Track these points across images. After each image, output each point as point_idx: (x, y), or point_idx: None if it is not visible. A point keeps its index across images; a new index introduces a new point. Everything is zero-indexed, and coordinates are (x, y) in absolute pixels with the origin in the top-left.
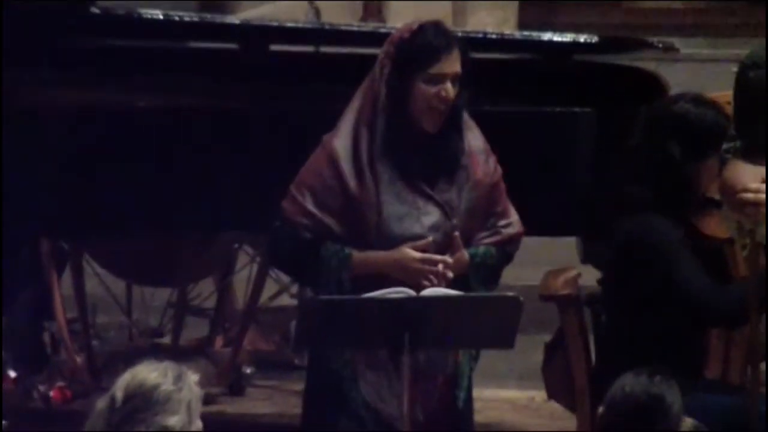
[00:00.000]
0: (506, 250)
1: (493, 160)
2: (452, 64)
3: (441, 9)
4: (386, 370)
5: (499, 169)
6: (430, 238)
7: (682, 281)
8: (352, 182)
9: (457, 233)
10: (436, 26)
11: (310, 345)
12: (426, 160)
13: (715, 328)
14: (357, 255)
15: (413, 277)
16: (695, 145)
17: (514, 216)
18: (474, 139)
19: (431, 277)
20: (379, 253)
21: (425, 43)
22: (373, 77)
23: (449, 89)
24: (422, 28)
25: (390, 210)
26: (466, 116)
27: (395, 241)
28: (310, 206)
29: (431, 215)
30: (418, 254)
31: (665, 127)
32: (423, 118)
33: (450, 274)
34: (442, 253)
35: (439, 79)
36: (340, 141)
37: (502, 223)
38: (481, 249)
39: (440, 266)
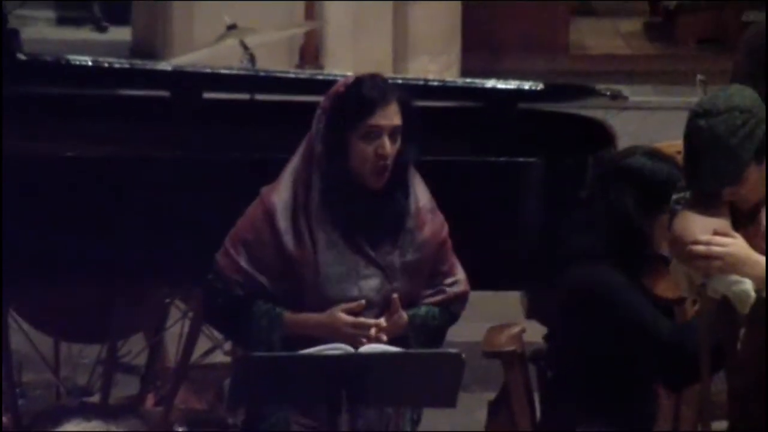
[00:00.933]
0: (451, 309)
1: (439, 217)
2: (388, 117)
3: (382, 54)
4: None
5: (446, 226)
6: (363, 302)
7: (648, 326)
8: (288, 240)
9: (395, 295)
10: (372, 79)
11: (245, 403)
12: (369, 218)
13: (676, 383)
14: (288, 316)
15: (345, 341)
16: (649, 199)
17: (460, 274)
18: (421, 195)
19: (363, 341)
20: (311, 316)
21: (359, 95)
22: (311, 132)
23: (386, 145)
24: (358, 80)
25: (328, 271)
26: (414, 174)
27: (332, 303)
28: (243, 263)
29: (371, 278)
30: (350, 318)
31: (619, 180)
32: (364, 175)
33: (384, 338)
34: (382, 315)
35: (375, 133)
36: (279, 196)
37: (448, 281)
38: (423, 309)
39: (373, 330)
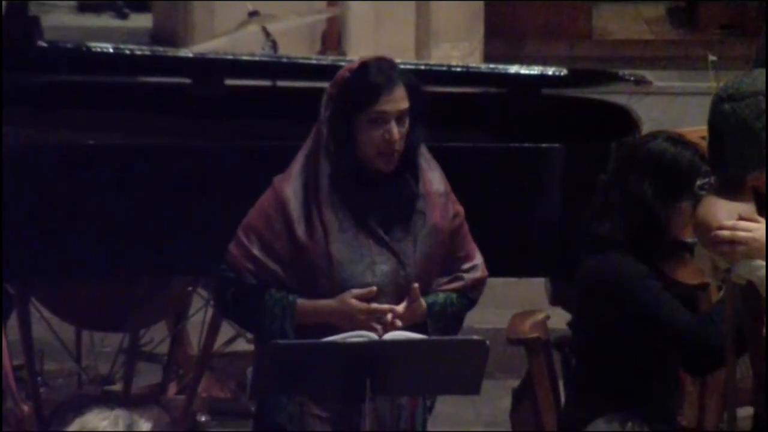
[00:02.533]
0: (469, 296)
1: (453, 203)
2: (395, 102)
3: (404, 41)
4: (335, 423)
5: (461, 212)
6: (374, 288)
7: (664, 317)
8: (300, 229)
9: (416, 285)
10: (378, 63)
11: (268, 392)
12: (380, 203)
13: (699, 371)
14: (302, 303)
15: (359, 327)
16: (669, 185)
17: (477, 259)
18: (434, 180)
19: (378, 327)
20: (324, 302)
21: (364, 81)
22: (319, 119)
23: (393, 130)
24: (363, 65)
25: (341, 257)
26: (426, 155)
27: (345, 289)
28: (256, 251)
29: (385, 263)
30: (362, 305)
31: (639, 165)
32: (373, 160)
33: (399, 324)
34: (397, 302)
35: (382, 119)
36: (290, 185)
37: (465, 267)
38: (441, 296)
39: (389, 316)
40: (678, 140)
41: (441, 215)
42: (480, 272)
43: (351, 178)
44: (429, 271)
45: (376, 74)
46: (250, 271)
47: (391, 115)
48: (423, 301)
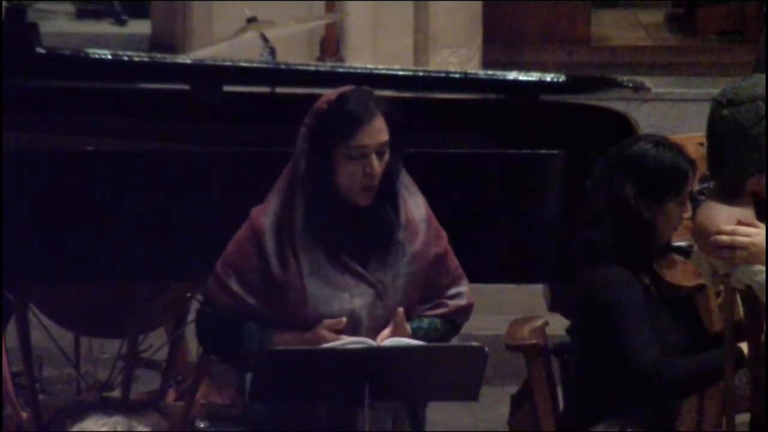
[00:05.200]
0: (454, 322)
1: (435, 228)
2: (375, 135)
3: (402, 47)
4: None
5: (444, 238)
6: (343, 319)
7: (626, 348)
8: (275, 263)
9: (400, 309)
10: (357, 94)
11: (267, 398)
12: (357, 235)
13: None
14: (278, 336)
15: None
16: (652, 187)
17: (463, 286)
18: (414, 207)
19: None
20: (298, 335)
21: (342, 113)
22: (295, 150)
23: (374, 164)
24: (341, 97)
25: (315, 293)
26: (407, 181)
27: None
28: (234, 285)
29: (362, 296)
30: (334, 336)
31: (621, 168)
32: (352, 194)
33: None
34: (376, 332)
35: (361, 152)
36: (266, 217)
37: (450, 293)
38: (425, 322)
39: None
40: (660, 142)
41: (423, 242)
42: (465, 300)
43: (326, 214)
44: (411, 300)
45: (354, 105)
46: (228, 305)
47: (370, 149)
48: (408, 326)
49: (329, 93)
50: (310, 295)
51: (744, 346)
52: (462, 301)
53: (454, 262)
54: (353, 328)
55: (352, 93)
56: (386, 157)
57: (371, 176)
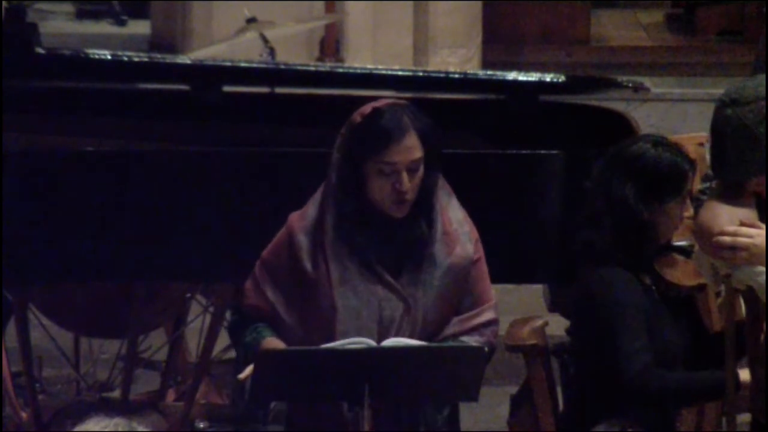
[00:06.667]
0: (491, 345)
1: (474, 240)
2: (405, 152)
3: (402, 47)
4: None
5: (481, 250)
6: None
7: (617, 352)
8: (307, 265)
9: None
10: (391, 110)
11: (267, 398)
12: (390, 247)
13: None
14: (268, 341)
15: None
16: (651, 187)
17: (493, 312)
18: (453, 219)
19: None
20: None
21: (374, 128)
22: (331, 160)
23: (404, 180)
24: (375, 111)
25: (345, 304)
26: (445, 192)
27: (350, 336)
28: (267, 286)
29: (393, 309)
30: None
31: (620, 169)
32: (384, 206)
33: None
34: None
35: (392, 168)
36: (302, 221)
37: (483, 320)
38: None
39: None
40: (660, 142)
41: (460, 254)
42: (496, 326)
43: (355, 223)
44: (442, 315)
45: (386, 122)
46: (254, 305)
47: (401, 166)
48: None
49: (366, 105)
50: (339, 306)
51: (743, 372)
52: (496, 327)
53: (486, 275)
54: (380, 340)
55: (386, 109)
56: (419, 173)
57: (401, 192)
